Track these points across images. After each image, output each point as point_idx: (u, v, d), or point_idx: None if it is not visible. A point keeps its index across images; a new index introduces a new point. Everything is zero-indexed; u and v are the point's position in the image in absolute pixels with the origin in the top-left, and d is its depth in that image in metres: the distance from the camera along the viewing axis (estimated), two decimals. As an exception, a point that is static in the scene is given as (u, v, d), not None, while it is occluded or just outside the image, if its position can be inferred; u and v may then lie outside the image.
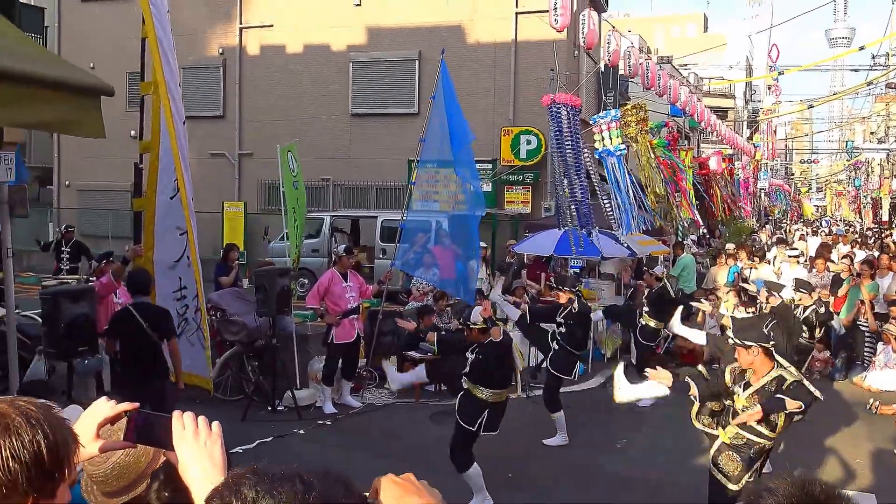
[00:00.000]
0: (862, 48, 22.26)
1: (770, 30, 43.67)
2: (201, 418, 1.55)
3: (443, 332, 8.20)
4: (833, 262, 13.67)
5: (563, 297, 8.44)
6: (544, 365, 9.05)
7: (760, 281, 13.85)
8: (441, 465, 6.29)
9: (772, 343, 5.02)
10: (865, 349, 11.27)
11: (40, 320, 8.33)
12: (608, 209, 11.51)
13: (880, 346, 10.82)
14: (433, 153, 10.68)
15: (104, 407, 1.66)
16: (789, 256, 14.16)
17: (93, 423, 1.64)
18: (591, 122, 11.70)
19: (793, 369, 5.02)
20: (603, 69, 20.04)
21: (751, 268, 14.45)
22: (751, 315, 8.83)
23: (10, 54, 4.19)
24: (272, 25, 20.88)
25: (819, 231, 32.42)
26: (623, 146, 11.35)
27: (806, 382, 4.89)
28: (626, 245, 11.28)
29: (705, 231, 24.52)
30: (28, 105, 4.21)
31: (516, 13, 18.76)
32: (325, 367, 9.17)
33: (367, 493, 1.28)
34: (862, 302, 11.20)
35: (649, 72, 14.72)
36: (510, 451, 7.79)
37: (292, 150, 10.28)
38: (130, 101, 18.94)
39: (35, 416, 1.40)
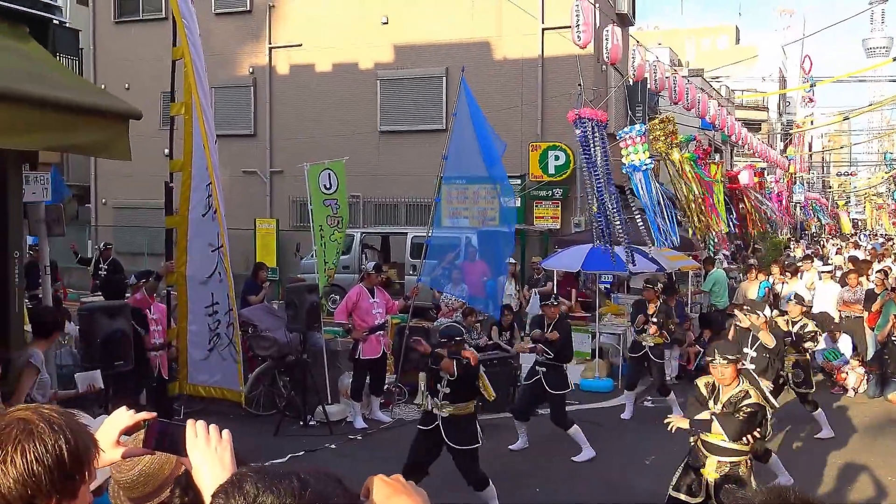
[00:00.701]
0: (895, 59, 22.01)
1: (803, 40, 43.24)
2: (212, 426, 1.66)
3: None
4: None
5: (552, 311, 8.43)
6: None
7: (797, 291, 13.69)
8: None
9: (737, 357, 5.33)
10: (901, 365, 11.07)
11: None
12: (640, 224, 11.44)
13: (916, 361, 10.63)
14: (460, 169, 10.75)
15: (124, 415, 1.78)
16: (822, 272, 13.98)
17: (114, 430, 1.76)
18: (617, 137, 11.70)
19: (758, 385, 5.30)
20: (630, 83, 20.03)
21: (782, 283, 14.29)
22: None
23: (43, 81, 4.37)
24: (301, 45, 21.17)
25: (860, 245, 31.65)
26: (650, 160, 11.31)
27: (767, 407, 5.24)
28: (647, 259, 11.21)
29: (741, 244, 24.26)
30: (60, 130, 4.38)
31: (542, 29, 18.84)
32: (353, 382, 9.26)
33: (360, 493, 1.35)
34: (896, 317, 11.01)
35: (676, 86, 14.68)
36: (538, 466, 7.81)
37: (333, 168, 10.37)
38: (165, 120, 19.30)
39: (57, 422, 1.51)
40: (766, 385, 6.62)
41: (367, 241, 17.89)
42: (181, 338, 7.56)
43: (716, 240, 16.89)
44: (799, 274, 14.88)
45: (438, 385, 6.32)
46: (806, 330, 8.91)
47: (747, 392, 5.16)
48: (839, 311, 12.69)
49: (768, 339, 7.89)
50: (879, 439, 9.03)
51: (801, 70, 46.42)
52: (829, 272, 13.72)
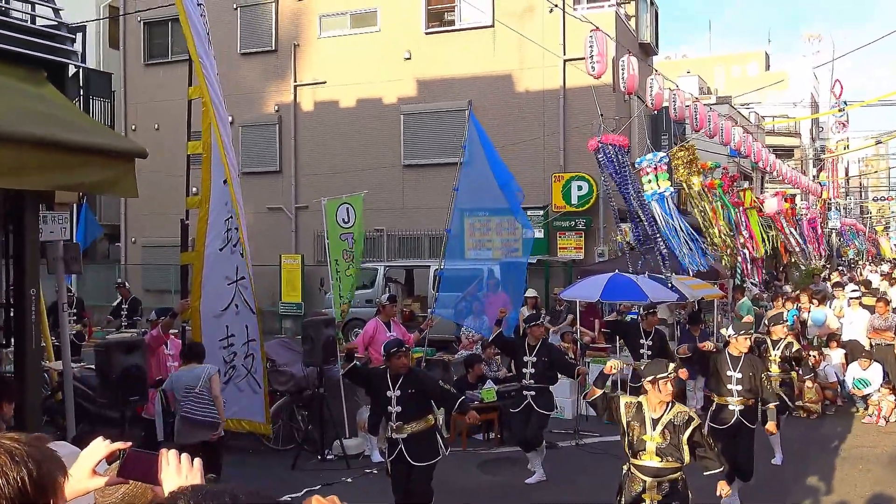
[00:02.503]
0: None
1: (833, 63, 42.82)
2: (184, 455, 1.70)
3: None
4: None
5: (538, 332, 8.40)
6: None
7: (819, 312, 13.43)
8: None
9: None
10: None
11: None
12: (664, 251, 11.35)
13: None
14: (480, 202, 10.81)
15: (100, 445, 1.81)
16: (851, 298, 13.69)
17: (90, 460, 1.79)
18: (636, 166, 11.66)
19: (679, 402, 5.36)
20: (655, 113, 20.00)
21: (808, 311, 14.00)
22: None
23: (52, 122, 4.50)
24: (325, 82, 21.53)
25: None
26: (669, 188, 11.24)
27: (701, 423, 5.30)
28: (674, 288, 11.06)
29: (773, 272, 23.89)
30: (67, 169, 4.50)
31: (564, 60, 18.96)
32: (369, 415, 9.22)
33: None
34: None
35: (697, 114, 14.61)
36: (556, 500, 7.70)
37: (351, 203, 10.46)
38: (193, 159, 19.67)
39: (19, 453, 1.52)
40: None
41: (391, 275, 17.94)
42: (196, 372, 7.64)
43: (742, 267, 16.64)
44: (827, 301, 14.60)
45: (389, 407, 6.36)
46: (793, 350, 8.98)
47: (689, 414, 5.15)
48: (869, 338, 12.40)
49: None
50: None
51: (831, 94, 45.92)
52: (857, 298, 13.41)
